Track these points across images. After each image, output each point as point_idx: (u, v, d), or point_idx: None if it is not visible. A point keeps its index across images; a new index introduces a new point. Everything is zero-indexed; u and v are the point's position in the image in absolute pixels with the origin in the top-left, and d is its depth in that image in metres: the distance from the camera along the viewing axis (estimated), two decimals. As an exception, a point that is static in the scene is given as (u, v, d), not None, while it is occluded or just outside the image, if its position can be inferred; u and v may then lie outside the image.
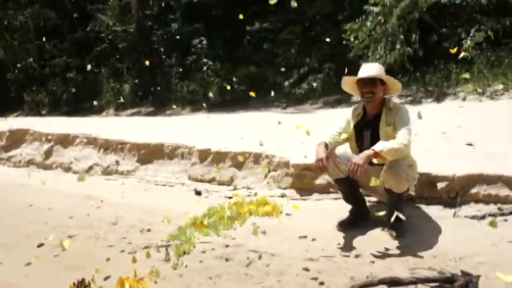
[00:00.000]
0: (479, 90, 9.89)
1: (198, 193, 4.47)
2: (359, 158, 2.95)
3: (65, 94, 16.94)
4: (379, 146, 2.99)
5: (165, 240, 3.46)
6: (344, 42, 12.54)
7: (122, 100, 15.02)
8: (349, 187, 3.36)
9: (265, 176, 4.34)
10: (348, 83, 3.48)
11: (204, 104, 14.80)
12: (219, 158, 4.66)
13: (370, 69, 3.32)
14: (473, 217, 3.32)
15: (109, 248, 3.53)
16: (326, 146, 3.27)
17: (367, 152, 2.97)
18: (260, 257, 3.08)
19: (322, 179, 3.97)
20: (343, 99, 12.48)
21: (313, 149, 3.25)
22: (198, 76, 15.34)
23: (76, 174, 5.49)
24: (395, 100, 3.31)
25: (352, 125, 3.40)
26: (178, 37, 16.38)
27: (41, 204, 4.64)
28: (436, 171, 3.53)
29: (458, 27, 11.11)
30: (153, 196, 4.57)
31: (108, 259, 3.33)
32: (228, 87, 13.13)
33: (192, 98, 15.24)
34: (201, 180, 4.68)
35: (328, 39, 11.95)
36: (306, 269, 2.88)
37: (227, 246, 3.29)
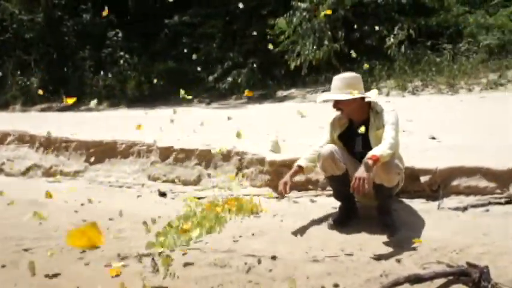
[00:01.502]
0: (402, 86, 10.45)
1: (163, 194, 4.13)
2: (362, 171, 2.82)
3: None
4: (377, 152, 2.91)
5: (145, 248, 3.13)
6: (268, 37, 12.59)
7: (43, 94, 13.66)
8: (343, 185, 3.26)
9: (236, 174, 4.12)
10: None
11: (122, 100, 14.10)
12: (183, 156, 4.35)
13: (333, 87, 3.26)
14: (456, 209, 3.40)
15: (79, 261, 3.10)
16: (300, 169, 3.34)
17: (368, 163, 2.84)
18: (259, 262, 2.87)
19: (301, 176, 3.84)
20: (268, 95, 12.56)
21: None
22: (115, 70, 14.56)
23: (10, 176, 4.83)
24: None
25: (336, 134, 3.35)
26: (90, 29, 15.39)
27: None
28: (418, 165, 3.57)
29: (379, 26, 11.66)
30: (111, 199, 4.13)
31: (81, 274, 2.92)
32: (147, 82, 12.66)
33: (109, 93, 14.44)
34: (164, 181, 4.34)
35: (252, 34, 11.99)
36: (315, 272, 2.73)
37: (217, 251, 3.05)
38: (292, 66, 11.50)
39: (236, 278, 2.76)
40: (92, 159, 4.70)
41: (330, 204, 3.67)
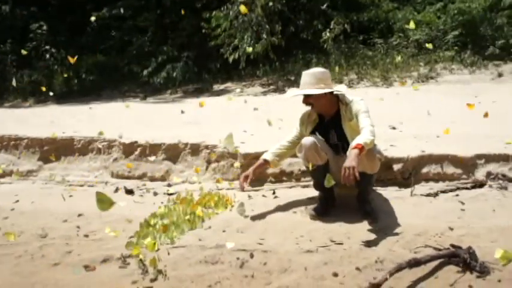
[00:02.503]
0: (338, 79, 10.74)
1: (130, 192, 3.92)
2: (350, 161, 2.82)
3: None
4: (361, 141, 2.95)
5: (126, 249, 2.95)
6: (203, 30, 12.43)
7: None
8: (323, 175, 3.29)
9: (207, 168, 4.01)
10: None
11: (50, 96, 13.29)
12: (149, 151, 4.15)
13: (304, 82, 3.27)
14: (428, 195, 3.56)
15: (55, 266, 2.86)
16: (265, 163, 3.43)
17: (354, 152, 2.86)
18: (252, 256, 2.82)
19: (275, 168, 3.82)
20: (204, 89, 12.40)
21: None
22: (40, 65, 13.70)
23: None
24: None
25: (308, 131, 3.37)
26: (11, 21, 14.31)
27: None
28: (391, 154, 3.68)
29: (314, 20, 11.90)
30: (74, 199, 3.85)
31: (61, 280, 2.70)
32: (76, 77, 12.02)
33: (34, 89, 13.56)
34: (128, 177, 4.12)
35: (186, 27, 11.76)
36: (311, 262, 2.73)
37: (205, 248, 2.94)
38: (231, 59, 11.43)
39: (231, 274, 2.69)
40: (47, 158, 4.35)
41: (305, 195, 3.69)
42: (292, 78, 11.41)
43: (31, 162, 4.39)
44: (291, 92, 3.43)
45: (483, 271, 2.54)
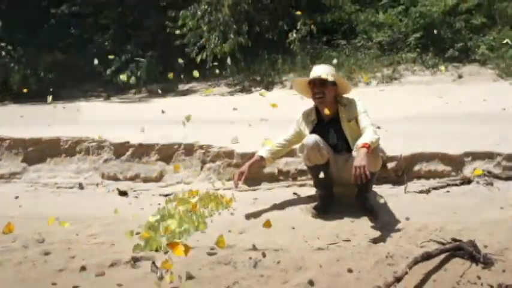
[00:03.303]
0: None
1: (123, 193, 3.82)
2: (360, 160, 2.91)
3: None
4: (367, 140, 3.04)
5: (133, 252, 2.88)
6: (168, 30, 12.28)
7: None
8: (325, 173, 3.34)
9: (201, 169, 3.97)
10: (299, 85, 3.55)
11: (6, 95, 12.77)
12: (141, 151, 4.07)
13: (320, 70, 3.39)
14: (421, 191, 3.70)
15: (61, 272, 2.75)
16: (261, 160, 3.46)
17: (363, 151, 2.96)
18: (264, 255, 2.83)
19: (272, 168, 3.85)
20: (170, 88, 12.24)
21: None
22: (-4, 62, 13.08)
23: None
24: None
25: (307, 131, 3.42)
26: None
27: None
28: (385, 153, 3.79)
29: (279, 21, 12.01)
30: (65, 201, 3.71)
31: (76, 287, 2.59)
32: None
33: (-10, 88, 12.92)
34: (121, 179, 4.02)
35: (150, 26, 11.56)
36: (324, 259, 2.77)
37: (215, 248, 2.92)
38: (198, 59, 11.34)
39: (247, 274, 2.69)
40: (31, 159, 4.17)
41: (304, 193, 3.75)
42: (258, 78, 11.47)
43: (14, 164, 4.19)
44: (317, 71, 3.38)
45: (487, 262, 2.67)
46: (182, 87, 12.55)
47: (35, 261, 2.87)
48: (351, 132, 3.33)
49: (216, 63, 11.88)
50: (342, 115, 3.35)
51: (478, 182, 3.71)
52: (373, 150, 3.06)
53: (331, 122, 3.40)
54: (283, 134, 3.53)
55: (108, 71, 12.57)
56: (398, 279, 2.36)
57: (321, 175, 3.29)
